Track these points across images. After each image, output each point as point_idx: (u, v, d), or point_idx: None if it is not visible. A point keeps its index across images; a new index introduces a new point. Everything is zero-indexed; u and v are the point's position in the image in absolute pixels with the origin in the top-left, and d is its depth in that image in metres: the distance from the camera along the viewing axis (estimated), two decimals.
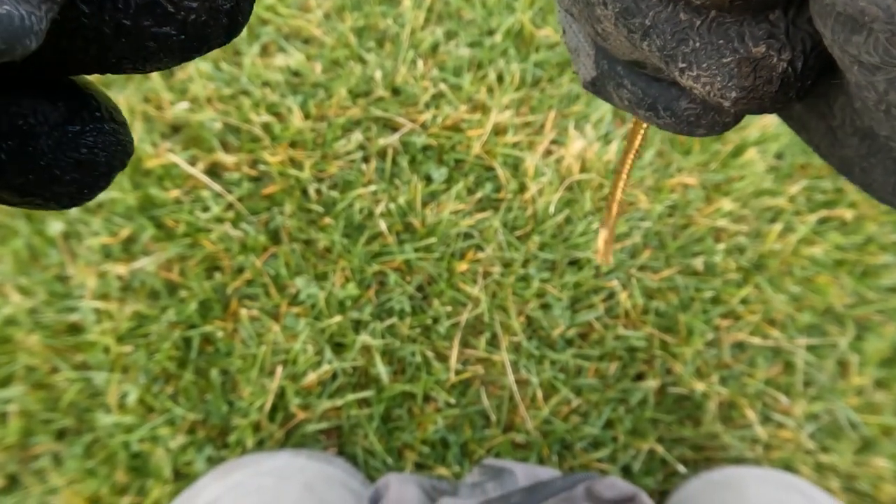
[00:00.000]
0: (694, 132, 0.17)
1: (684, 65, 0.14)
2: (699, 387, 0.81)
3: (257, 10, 0.83)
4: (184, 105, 0.82)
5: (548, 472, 0.62)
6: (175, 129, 0.83)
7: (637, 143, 0.24)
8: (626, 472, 0.81)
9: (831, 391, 0.83)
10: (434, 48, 0.84)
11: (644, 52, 0.15)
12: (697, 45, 0.14)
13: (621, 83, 0.18)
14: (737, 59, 0.14)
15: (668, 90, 0.17)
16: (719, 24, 0.14)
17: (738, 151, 0.85)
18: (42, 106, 0.13)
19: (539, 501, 0.57)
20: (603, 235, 0.28)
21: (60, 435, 0.79)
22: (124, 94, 0.83)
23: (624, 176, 0.27)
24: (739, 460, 0.81)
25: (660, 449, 0.80)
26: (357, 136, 0.81)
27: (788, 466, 0.81)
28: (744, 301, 0.83)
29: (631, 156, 0.25)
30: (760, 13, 0.14)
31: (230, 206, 0.81)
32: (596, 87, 0.19)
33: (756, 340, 0.83)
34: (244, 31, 0.83)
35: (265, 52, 0.84)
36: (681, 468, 0.80)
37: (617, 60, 0.18)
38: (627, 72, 0.17)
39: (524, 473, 0.61)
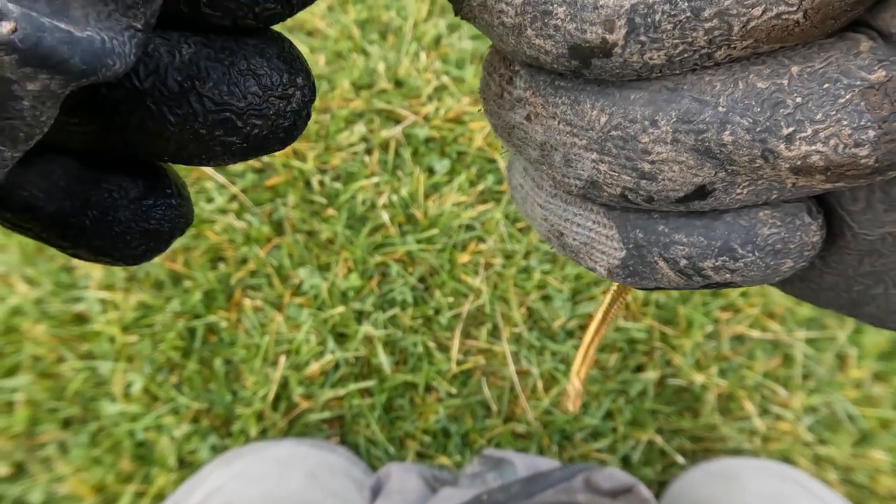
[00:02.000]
0: (780, 267, 0.14)
1: (791, 129, 0.12)
2: (698, 378, 0.82)
3: None
4: None
5: (547, 463, 0.63)
6: None
7: (613, 310, 0.22)
8: (626, 462, 0.81)
9: (830, 384, 0.83)
10: (437, 40, 0.84)
11: (723, 155, 0.13)
12: (799, 100, 0.12)
13: (670, 243, 0.15)
14: (859, 91, 0.11)
15: (737, 222, 0.14)
16: (811, 73, 0.12)
17: None
18: (126, 183, 0.15)
19: (538, 492, 0.57)
20: (574, 386, 0.26)
21: (66, 423, 0.80)
22: None
23: (597, 337, 0.24)
24: (738, 452, 0.82)
25: (659, 440, 0.81)
26: (360, 128, 0.82)
27: (786, 458, 0.82)
28: (743, 294, 0.84)
29: (607, 321, 0.22)
30: (845, 45, 0.12)
31: (234, 198, 0.81)
32: (628, 269, 0.16)
33: (755, 333, 0.83)
34: None
35: None
36: (680, 459, 0.81)
37: (656, 220, 0.15)
38: (676, 225, 0.15)
39: (524, 464, 0.62)
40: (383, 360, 0.79)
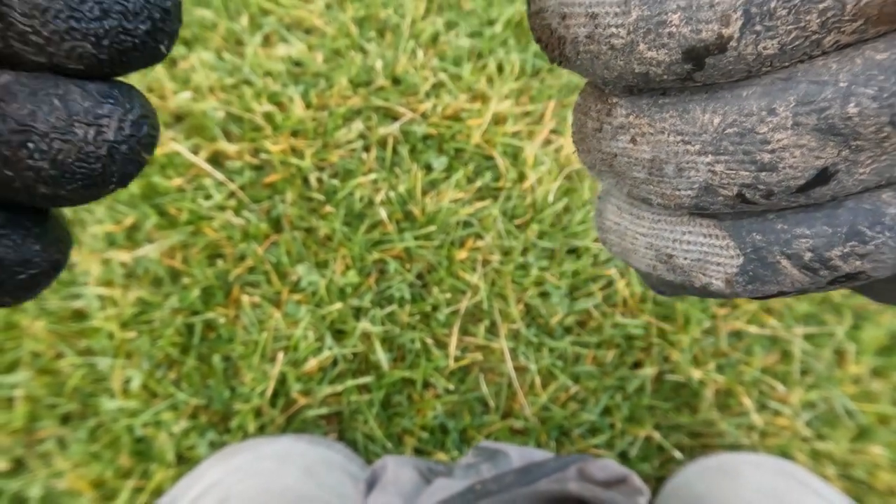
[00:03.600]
0: None
1: None
2: (696, 374, 0.82)
3: (259, 0, 0.84)
4: (186, 95, 0.83)
5: (542, 454, 0.63)
6: (178, 118, 0.84)
7: None
8: (624, 458, 0.81)
9: (828, 379, 0.83)
10: (434, 38, 0.85)
11: (847, 129, 0.13)
12: None
13: (792, 238, 0.15)
14: None
15: (860, 206, 0.14)
16: None
17: None
18: None
19: (532, 482, 0.58)
20: None
21: (65, 419, 0.81)
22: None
23: None
24: (736, 447, 0.82)
25: (657, 435, 0.81)
26: (358, 126, 0.82)
27: (785, 453, 0.82)
28: None
29: None
30: None
31: (232, 195, 0.82)
32: (748, 275, 0.15)
33: (753, 329, 0.83)
34: (246, 21, 0.84)
35: (267, 42, 0.85)
36: (677, 454, 0.81)
37: (772, 220, 0.15)
38: (796, 220, 0.15)
39: (518, 455, 0.62)
40: (381, 356, 0.79)
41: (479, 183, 0.82)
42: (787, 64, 0.13)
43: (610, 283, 0.83)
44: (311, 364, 0.80)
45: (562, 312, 0.81)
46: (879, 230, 0.14)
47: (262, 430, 0.81)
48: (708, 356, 0.83)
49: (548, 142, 0.84)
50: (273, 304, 0.81)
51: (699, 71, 0.13)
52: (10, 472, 0.80)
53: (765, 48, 0.12)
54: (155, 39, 0.14)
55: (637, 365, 0.83)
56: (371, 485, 0.66)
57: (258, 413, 0.80)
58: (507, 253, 0.82)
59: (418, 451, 0.81)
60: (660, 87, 0.14)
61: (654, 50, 0.13)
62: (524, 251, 0.82)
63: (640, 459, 0.82)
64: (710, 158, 0.14)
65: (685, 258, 0.16)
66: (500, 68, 0.84)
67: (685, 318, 0.82)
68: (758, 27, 0.12)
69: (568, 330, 0.82)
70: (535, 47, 0.85)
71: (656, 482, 0.82)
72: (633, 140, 0.15)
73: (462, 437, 0.81)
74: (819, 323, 0.84)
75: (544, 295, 0.82)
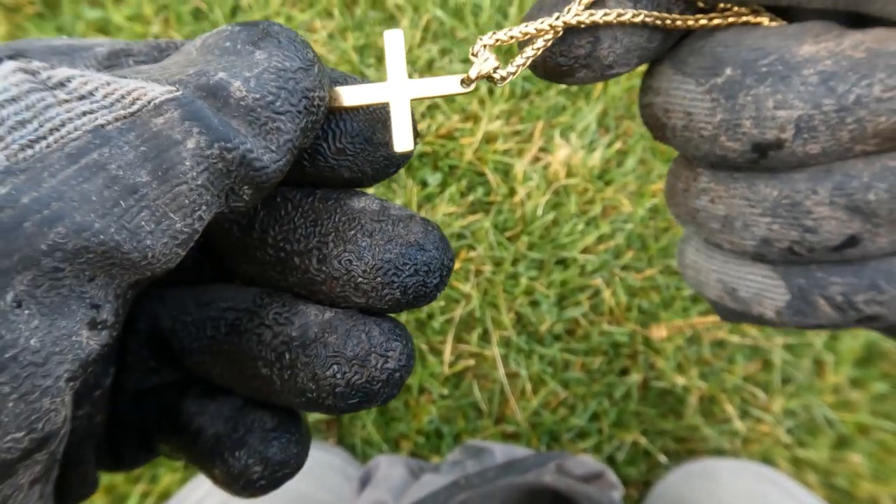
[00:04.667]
0: None
1: None
2: (680, 381, 0.85)
3: None
4: None
5: (524, 452, 0.67)
6: None
7: None
8: (611, 462, 0.85)
9: (808, 388, 0.86)
10: (430, 64, 0.90)
11: (868, 210, 0.17)
12: None
13: (828, 283, 0.19)
14: None
15: (880, 266, 0.18)
16: None
17: None
18: (266, 416, 0.20)
19: (513, 476, 0.61)
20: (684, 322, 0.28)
21: None
22: None
23: None
24: (719, 452, 0.85)
25: (643, 440, 0.84)
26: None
27: (767, 459, 0.84)
28: None
29: None
30: None
31: None
32: (794, 309, 0.20)
33: (735, 338, 0.86)
34: None
35: None
36: (663, 459, 0.84)
37: (813, 269, 0.19)
38: (832, 271, 0.19)
39: (502, 452, 0.65)
40: None
41: (471, 197, 0.87)
42: (828, 160, 0.18)
43: (597, 293, 0.86)
44: None
45: (551, 320, 0.85)
46: (893, 285, 0.19)
47: None
48: (692, 364, 0.86)
49: (536, 159, 0.89)
50: None
51: (763, 159, 0.18)
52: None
53: (811, 149, 0.17)
54: (438, 289, 0.18)
55: (624, 372, 0.87)
56: (364, 482, 0.70)
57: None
58: (498, 263, 0.86)
59: (414, 455, 0.85)
60: (734, 165, 0.19)
61: (731, 142, 0.18)
62: (515, 262, 0.86)
63: (627, 464, 0.84)
64: (768, 219, 0.19)
65: (746, 292, 0.21)
66: (490, 91, 0.89)
67: (669, 326, 0.86)
68: (805, 136, 0.17)
69: (557, 337, 0.86)
70: (524, 72, 0.90)
71: (643, 486, 0.85)
72: (712, 200, 0.20)
73: (456, 441, 0.85)
74: (798, 333, 0.87)
75: (534, 304, 0.86)
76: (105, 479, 0.83)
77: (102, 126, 0.13)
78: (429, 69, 0.90)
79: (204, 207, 0.14)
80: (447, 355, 0.85)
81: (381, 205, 0.19)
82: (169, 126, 0.14)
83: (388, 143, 0.19)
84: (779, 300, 0.20)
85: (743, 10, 0.19)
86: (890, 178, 0.17)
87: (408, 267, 0.17)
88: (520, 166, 0.87)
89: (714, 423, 0.85)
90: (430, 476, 0.64)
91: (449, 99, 0.89)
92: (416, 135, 0.19)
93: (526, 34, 0.19)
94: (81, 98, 0.13)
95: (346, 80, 0.19)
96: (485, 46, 0.19)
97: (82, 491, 0.19)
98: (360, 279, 0.18)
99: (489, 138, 0.88)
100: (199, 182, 0.14)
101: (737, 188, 0.19)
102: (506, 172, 0.88)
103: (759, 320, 0.21)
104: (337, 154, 0.18)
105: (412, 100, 0.18)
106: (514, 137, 0.89)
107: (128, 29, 0.89)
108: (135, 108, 0.13)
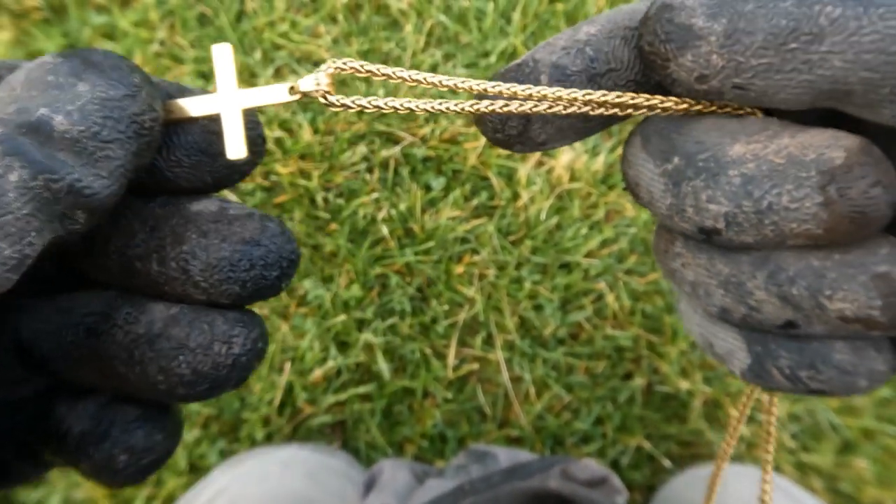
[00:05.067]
0: (857, 384, 0.20)
1: (829, 292, 0.18)
2: (684, 385, 0.85)
3: (272, 36, 0.91)
4: None
5: (528, 456, 0.67)
6: None
7: (745, 410, 0.28)
8: (615, 466, 0.84)
9: None
10: (434, 69, 0.91)
11: (794, 302, 0.19)
12: (834, 275, 0.18)
13: (778, 356, 0.20)
14: (870, 277, 0.18)
15: (819, 347, 0.20)
16: (844, 260, 0.18)
17: None
18: (129, 407, 0.21)
19: (517, 481, 0.61)
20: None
21: None
22: None
23: (730, 447, 0.31)
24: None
25: (647, 445, 0.84)
26: (362, 149, 0.88)
27: None
28: None
29: (740, 426, 0.29)
30: (873, 244, 0.18)
31: None
32: (754, 372, 0.21)
33: None
34: (259, 56, 0.91)
35: (278, 74, 0.92)
36: (667, 463, 0.84)
37: (769, 339, 0.21)
38: (780, 343, 0.20)
39: (506, 457, 0.65)
40: (383, 366, 0.84)
41: (475, 202, 0.87)
42: (767, 248, 0.19)
43: (600, 297, 0.87)
44: (317, 374, 0.84)
45: (554, 324, 0.85)
46: (827, 367, 0.20)
47: (269, 439, 0.85)
48: (695, 368, 0.86)
49: (540, 163, 0.89)
50: (281, 317, 0.86)
51: (709, 241, 0.20)
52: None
53: (744, 239, 0.19)
54: (280, 280, 0.19)
55: (627, 376, 0.87)
56: (369, 487, 0.70)
57: (266, 422, 0.84)
58: (502, 267, 0.86)
59: (418, 459, 0.85)
60: (695, 239, 0.21)
61: (682, 222, 0.19)
62: (518, 266, 0.86)
63: (632, 468, 0.84)
64: (722, 292, 0.20)
65: (720, 349, 0.22)
66: None
67: (673, 330, 0.86)
68: (735, 229, 0.19)
69: (561, 341, 0.86)
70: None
71: (647, 491, 0.85)
72: (683, 265, 0.21)
73: (460, 445, 0.85)
74: None
75: (538, 308, 0.86)
76: None
77: None
78: (433, 73, 0.90)
79: (34, 234, 0.15)
80: (451, 359, 0.85)
81: (220, 205, 0.19)
82: None
83: (224, 153, 0.19)
84: (743, 362, 0.21)
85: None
86: (809, 278, 0.18)
87: (243, 263, 0.18)
88: (523, 171, 0.87)
89: (718, 428, 0.85)
90: (434, 481, 0.65)
91: None
92: (260, 143, 0.20)
93: (368, 71, 0.20)
94: None
95: (181, 93, 0.20)
96: (335, 69, 0.20)
97: None
98: (197, 277, 0.19)
99: None
100: (25, 211, 0.15)
101: (700, 259, 0.21)
102: (509, 177, 0.88)
103: (734, 373, 0.23)
104: (173, 166, 0.19)
105: (244, 109, 0.19)
106: None
107: (133, 34, 0.90)
108: None
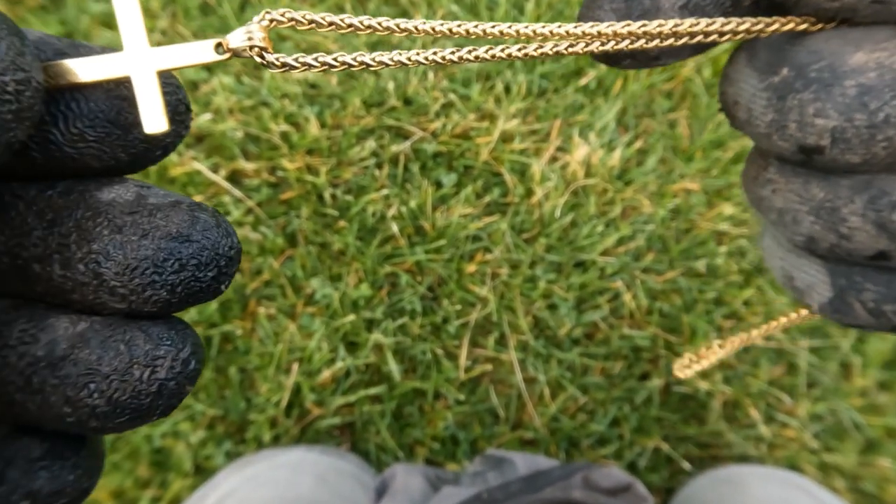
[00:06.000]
0: None
1: None
2: (703, 386, 0.83)
3: (278, 28, 0.88)
4: (207, 116, 0.86)
5: (548, 462, 0.65)
6: (199, 138, 0.87)
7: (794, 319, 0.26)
8: (633, 468, 0.82)
9: (834, 392, 0.84)
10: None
11: (891, 228, 0.18)
12: None
13: (863, 289, 0.20)
14: None
15: None
16: None
17: (739, 158, 0.88)
18: (33, 443, 0.16)
19: (537, 490, 0.59)
20: (710, 355, 0.27)
21: None
22: None
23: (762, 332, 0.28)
24: (744, 458, 0.83)
25: (665, 447, 0.82)
26: (370, 144, 0.85)
27: (793, 465, 0.82)
28: (746, 302, 0.85)
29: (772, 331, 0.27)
30: None
31: (250, 211, 0.85)
32: (834, 306, 0.21)
33: (759, 341, 0.84)
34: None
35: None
36: (686, 465, 0.82)
37: (855, 271, 0.20)
38: (867, 275, 0.20)
39: (524, 463, 0.63)
40: (393, 367, 0.82)
41: (487, 198, 0.84)
42: (873, 171, 0.18)
43: (616, 296, 0.84)
44: (325, 375, 0.82)
45: (569, 324, 0.83)
46: None
47: (276, 441, 0.83)
48: (715, 368, 0.84)
49: (554, 159, 0.86)
50: (288, 317, 0.83)
51: (810, 161, 0.19)
52: None
53: (850, 158, 0.18)
54: (218, 282, 0.16)
55: (644, 376, 0.84)
56: (381, 492, 0.68)
57: (273, 423, 0.82)
58: (515, 266, 0.84)
59: (429, 462, 0.83)
60: (793, 162, 0.20)
61: (781, 141, 0.18)
62: (532, 264, 0.84)
63: (649, 470, 0.82)
64: (812, 219, 0.19)
65: (800, 283, 0.21)
66: (507, 89, 0.87)
67: (691, 330, 0.84)
68: (841, 146, 0.17)
69: (576, 342, 0.84)
70: (541, 69, 0.88)
71: (665, 493, 0.83)
72: (773, 191, 0.20)
73: (473, 447, 0.83)
74: (824, 336, 0.85)
75: (552, 307, 0.84)
76: (113, 482, 0.82)
77: None
78: (443, 66, 0.87)
79: None
80: (463, 360, 0.82)
81: (138, 193, 0.16)
82: None
83: (139, 124, 0.16)
84: (823, 296, 0.20)
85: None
86: None
87: (170, 263, 0.15)
88: (537, 166, 0.84)
89: (738, 429, 0.83)
90: (450, 489, 0.62)
91: (464, 97, 0.86)
92: (184, 111, 0.17)
93: (311, 21, 0.17)
94: None
95: (77, 51, 0.16)
96: (270, 22, 0.17)
97: None
98: (113, 282, 0.15)
99: (505, 137, 0.86)
100: None
101: (794, 183, 0.20)
102: (523, 173, 0.85)
103: (811, 310, 0.22)
104: (75, 141, 0.16)
105: (160, 71, 0.16)
106: (531, 137, 0.86)
107: None
108: None
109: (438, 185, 0.85)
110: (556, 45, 0.19)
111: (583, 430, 0.83)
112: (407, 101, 0.87)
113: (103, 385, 0.15)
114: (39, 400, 0.15)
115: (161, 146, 0.17)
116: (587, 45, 0.18)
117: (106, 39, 0.88)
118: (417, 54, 0.18)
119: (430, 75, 0.87)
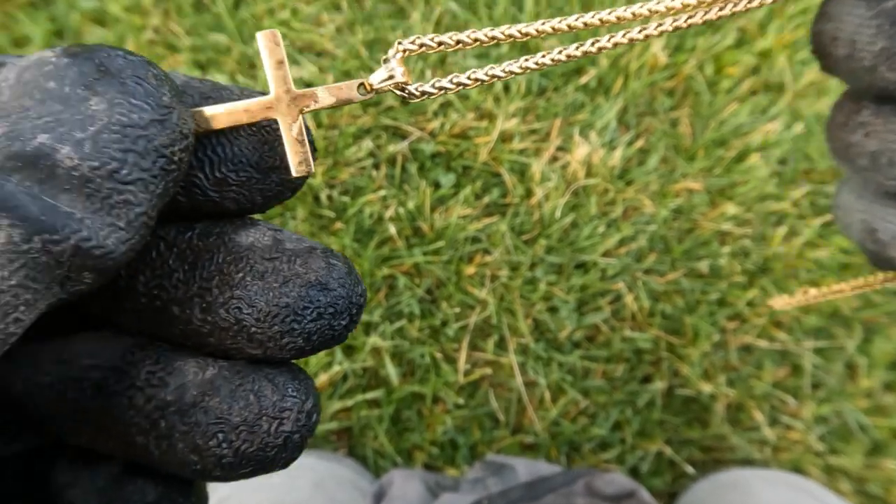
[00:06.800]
0: None
1: None
2: (706, 388, 0.81)
3: (272, 25, 0.86)
4: None
5: (549, 468, 0.63)
6: None
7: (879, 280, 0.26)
8: (635, 473, 0.81)
9: (840, 394, 0.83)
10: (442, 59, 0.86)
11: None
12: None
13: None
14: None
15: None
16: None
17: (742, 157, 0.86)
18: (148, 486, 0.17)
19: (539, 497, 0.58)
20: (805, 294, 0.28)
21: None
22: None
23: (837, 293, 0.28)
24: (748, 462, 0.81)
25: (668, 450, 0.81)
26: (368, 144, 0.84)
27: (797, 468, 0.81)
28: (750, 303, 0.84)
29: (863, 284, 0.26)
30: None
31: None
32: None
33: (763, 343, 0.83)
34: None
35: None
36: (689, 469, 0.80)
37: None
38: None
39: (525, 469, 0.62)
40: (391, 371, 0.80)
41: (486, 199, 0.83)
42: None
43: (618, 298, 0.83)
44: (322, 379, 0.80)
45: (570, 327, 0.82)
46: None
47: None
48: (718, 370, 0.82)
49: (554, 159, 0.85)
50: None
51: None
52: None
53: None
54: (348, 329, 0.16)
55: (647, 379, 0.83)
56: (378, 498, 0.67)
57: None
58: (515, 268, 0.83)
59: (428, 467, 0.81)
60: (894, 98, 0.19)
61: (890, 72, 0.18)
62: (532, 266, 0.83)
63: (652, 474, 0.81)
64: None
65: (884, 233, 0.21)
66: (506, 88, 0.86)
67: (694, 332, 0.82)
68: None
69: (577, 344, 0.83)
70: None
71: (669, 498, 0.82)
72: (867, 134, 0.20)
73: (472, 452, 0.81)
74: (829, 337, 0.84)
75: (553, 309, 0.82)
76: None
77: None
78: (441, 64, 0.86)
79: (22, 308, 0.12)
80: (462, 363, 0.81)
81: (274, 237, 0.16)
82: None
83: (279, 167, 0.16)
84: None
85: None
86: None
87: (309, 311, 0.15)
88: (537, 166, 0.83)
89: (742, 432, 0.82)
90: (449, 495, 0.61)
91: (463, 96, 0.85)
92: (314, 151, 0.17)
93: (441, 43, 0.17)
94: None
95: (220, 94, 0.16)
96: (403, 52, 0.17)
97: None
98: (253, 329, 0.15)
99: (505, 137, 0.84)
100: (12, 282, 0.11)
101: (893, 122, 0.19)
102: (522, 173, 0.84)
103: (887, 261, 0.21)
104: (217, 185, 0.16)
105: (305, 113, 0.16)
106: (531, 136, 0.85)
107: (126, 20, 0.86)
108: None
109: (437, 185, 0.84)
110: (675, 20, 0.18)
111: (584, 434, 0.81)
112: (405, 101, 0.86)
113: (232, 436, 0.15)
114: (165, 445, 0.15)
115: (292, 188, 0.17)
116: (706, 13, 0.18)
117: (97, 37, 0.86)
118: (543, 56, 0.18)
119: (428, 74, 0.86)
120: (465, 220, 0.82)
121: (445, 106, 0.85)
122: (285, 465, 0.16)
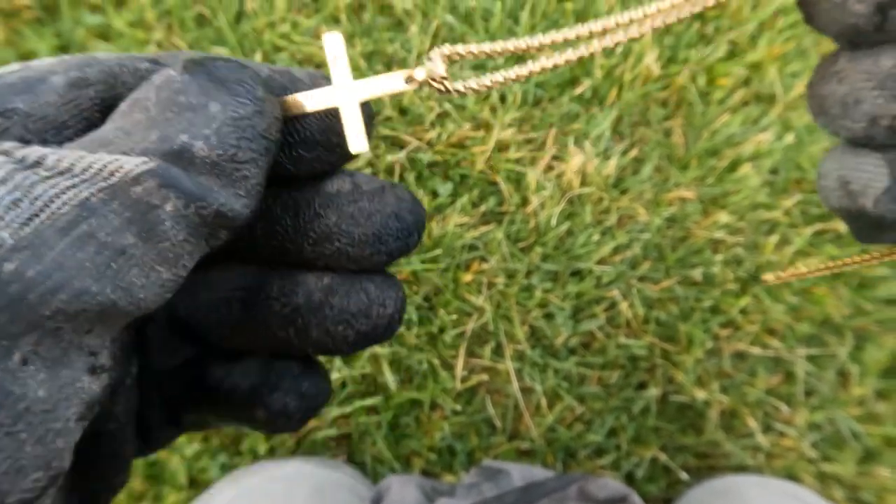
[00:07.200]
0: None
1: None
2: (700, 395, 0.82)
3: (272, 38, 0.88)
4: None
5: (543, 473, 0.64)
6: None
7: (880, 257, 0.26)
8: (630, 479, 0.82)
9: (832, 401, 0.84)
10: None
11: None
12: None
13: None
14: None
15: None
16: None
17: (734, 166, 0.88)
18: (291, 365, 0.22)
19: (533, 501, 0.59)
20: (795, 270, 0.29)
21: None
22: None
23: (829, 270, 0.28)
24: (742, 468, 0.82)
25: (662, 456, 0.82)
26: (366, 154, 0.85)
27: (791, 475, 0.82)
28: (743, 311, 0.85)
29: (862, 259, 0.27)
30: None
31: None
32: (891, 194, 0.20)
33: (756, 350, 0.84)
34: (260, 57, 0.88)
35: None
36: (684, 475, 0.81)
37: None
38: None
39: (520, 474, 0.63)
40: (389, 378, 0.81)
41: (483, 208, 0.84)
42: None
43: (613, 305, 0.84)
44: None
45: (566, 333, 0.83)
46: None
47: (272, 453, 0.82)
48: (711, 377, 0.83)
49: (550, 168, 0.86)
50: None
51: (884, 23, 0.18)
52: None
53: None
54: (418, 242, 0.21)
55: (642, 386, 0.84)
56: (376, 503, 0.68)
57: (269, 435, 0.82)
58: (511, 275, 0.84)
59: (426, 473, 0.82)
60: (866, 37, 0.19)
61: (857, 4, 0.18)
62: (528, 273, 0.84)
63: (647, 481, 0.82)
64: (876, 93, 0.19)
65: (856, 183, 0.21)
66: (502, 98, 0.87)
67: (688, 339, 0.83)
68: None
69: (572, 351, 0.84)
70: (536, 78, 0.88)
71: (663, 503, 0.82)
72: (839, 80, 0.20)
73: (469, 458, 0.82)
74: (821, 344, 0.85)
75: (549, 316, 0.84)
76: None
77: (87, 199, 0.15)
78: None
79: (186, 257, 0.16)
80: (459, 370, 0.82)
81: (353, 182, 0.21)
82: (147, 193, 0.15)
83: (341, 144, 0.20)
84: (878, 188, 0.20)
85: None
86: None
87: (391, 237, 0.20)
88: (533, 175, 0.85)
89: (736, 438, 0.83)
90: (444, 500, 0.62)
91: (459, 107, 0.86)
92: (372, 128, 0.21)
93: (481, 52, 0.20)
94: (61, 174, 0.15)
95: (293, 83, 0.20)
96: (441, 55, 0.19)
97: (123, 478, 0.21)
98: (350, 252, 0.20)
99: (501, 147, 0.86)
100: (180, 238, 0.16)
101: (864, 62, 0.19)
102: (518, 182, 0.85)
103: (860, 215, 0.21)
104: (294, 162, 0.20)
105: (362, 101, 0.19)
106: (527, 146, 0.87)
107: (129, 35, 0.87)
108: (114, 180, 0.15)
109: (434, 194, 0.85)
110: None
111: (580, 440, 0.82)
112: (402, 111, 0.87)
113: (353, 321, 0.20)
114: (303, 335, 0.21)
115: (348, 157, 0.21)
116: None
117: (102, 51, 0.88)
118: (570, 50, 0.20)
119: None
120: (463, 228, 0.84)
121: (443, 116, 0.87)
122: (390, 336, 0.21)
